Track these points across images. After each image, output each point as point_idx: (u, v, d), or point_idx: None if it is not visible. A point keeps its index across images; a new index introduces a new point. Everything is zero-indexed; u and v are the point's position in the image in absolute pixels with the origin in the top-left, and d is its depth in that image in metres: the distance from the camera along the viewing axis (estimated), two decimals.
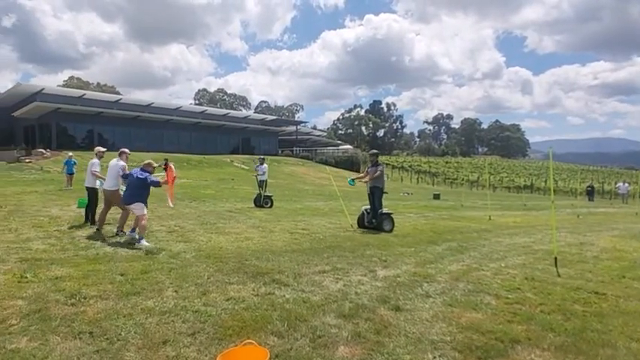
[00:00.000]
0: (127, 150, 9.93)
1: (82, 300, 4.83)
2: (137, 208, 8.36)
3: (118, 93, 77.12)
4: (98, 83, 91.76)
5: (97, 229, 9.26)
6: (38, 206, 12.97)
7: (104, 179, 9.76)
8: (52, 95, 42.47)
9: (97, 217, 9.80)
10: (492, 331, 4.37)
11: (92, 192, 10.22)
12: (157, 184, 8.46)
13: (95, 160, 10.23)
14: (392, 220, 11.31)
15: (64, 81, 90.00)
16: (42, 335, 3.93)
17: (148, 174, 8.55)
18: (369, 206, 11.35)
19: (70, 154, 22.24)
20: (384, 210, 11.27)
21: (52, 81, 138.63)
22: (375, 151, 12.54)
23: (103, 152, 10.50)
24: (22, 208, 12.47)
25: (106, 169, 9.53)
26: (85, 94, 46.84)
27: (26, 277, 5.61)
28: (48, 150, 36.11)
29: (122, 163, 9.44)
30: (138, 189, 8.44)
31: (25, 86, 43.78)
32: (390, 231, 10.97)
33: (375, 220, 11.08)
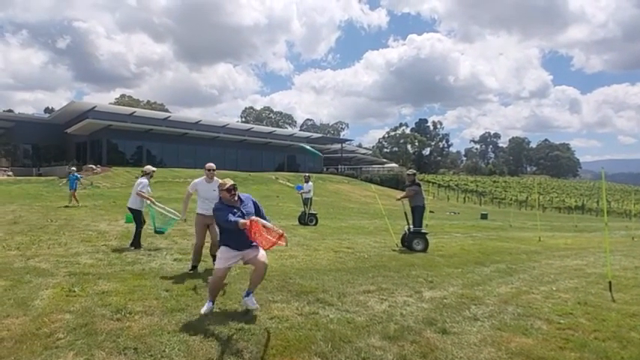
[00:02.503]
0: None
1: (128, 315, 4.86)
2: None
3: (166, 111, 79.10)
4: (148, 101, 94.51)
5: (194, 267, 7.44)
6: (87, 221, 13.31)
7: (152, 201, 9.29)
8: (104, 113, 43.97)
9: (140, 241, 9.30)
10: (544, 357, 4.19)
11: (137, 214, 9.30)
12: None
13: (144, 180, 9.33)
14: (425, 240, 10.92)
15: (115, 99, 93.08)
16: (88, 350, 3.95)
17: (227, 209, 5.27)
18: (411, 225, 11.13)
19: (73, 168, 21.79)
20: (419, 229, 11.00)
21: (104, 99, 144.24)
22: (412, 170, 12.51)
23: (154, 172, 9.69)
24: (72, 222, 12.82)
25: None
26: (135, 112, 48.31)
27: (74, 292, 5.71)
28: (98, 166, 37.27)
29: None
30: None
31: (78, 104, 45.49)
32: (423, 251, 10.64)
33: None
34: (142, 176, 9.49)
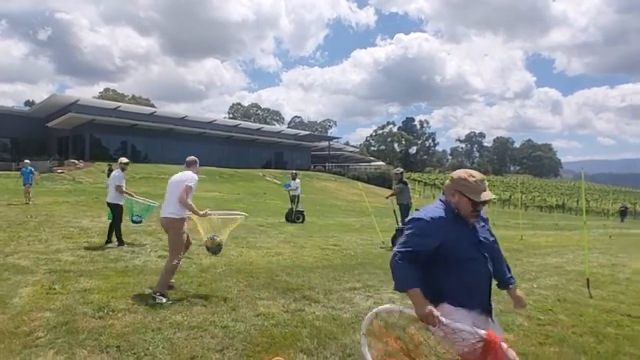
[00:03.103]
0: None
1: (110, 313, 4.77)
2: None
3: (152, 106, 78.04)
4: (133, 96, 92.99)
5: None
6: (69, 217, 13.12)
7: (132, 195, 9.36)
8: (87, 107, 43.00)
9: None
10: (524, 353, 4.22)
11: (118, 209, 9.20)
12: None
13: (118, 173, 9.23)
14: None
15: (99, 93, 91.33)
16: (68, 348, 3.86)
17: None
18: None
19: (27, 161, 19.45)
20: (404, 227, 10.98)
21: (87, 93, 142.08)
22: (399, 169, 12.62)
23: (125, 164, 9.50)
24: (53, 218, 12.63)
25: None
26: (119, 106, 47.43)
27: (55, 289, 5.59)
28: (81, 161, 36.75)
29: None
30: None
31: (61, 97, 44.49)
32: None
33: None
34: (119, 168, 9.38)
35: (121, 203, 9.27)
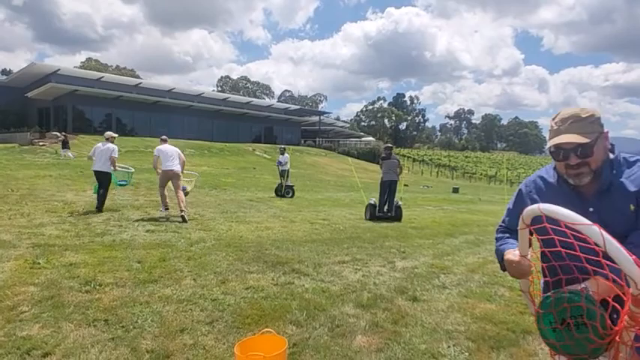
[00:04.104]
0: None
1: (97, 287, 4.70)
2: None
3: (137, 77, 75.75)
4: (117, 66, 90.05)
5: (167, 208, 9.61)
6: (52, 191, 12.92)
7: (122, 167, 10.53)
8: (69, 77, 42.02)
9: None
10: (505, 321, 4.37)
11: (107, 176, 10.07)
12: None
13: (115, 146, 10.10)
14: (401, 210, 11.80)
15: (81, 62, 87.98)
16: (55, 322, 3.79)
17: None
18: (373, 198, 11.86)
19: None
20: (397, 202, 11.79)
21: (68, 62, 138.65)
22: (389, 144, 13.11)
23: (114, 137, 10.34)
24: (35, 192, 12.41)
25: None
26: (103, 77, 46.37)
27: (39, 264, 5.48)
28: (63, 133, 35.99)
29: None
30: None
31: (40, 66, 43.10)
32: (399, 220, 11.51)
33: (390, 213, 11.52)
34: (109, 142, 10.10)
35: (110, 172, 10.09)
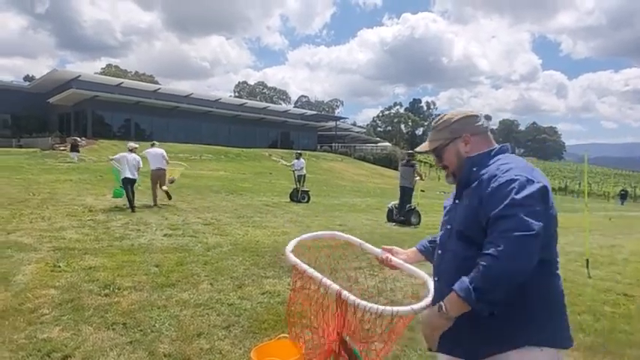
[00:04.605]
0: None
1: (116, 291, 4.75)
2: None
3: (156, 82, 76.45)
4: (136, 72, 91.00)
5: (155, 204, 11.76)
6: (72, 195, 13.07)
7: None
8: (89, 83, 42.33)
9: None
10: None
11: (134, 182, 11.29)
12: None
13: (136, 156, 11.42)
14: (418, 214, 12.08)
15: (101, 69, 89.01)
16: (74, 325, 3.84)
17: None
18: (393, 202, 12.27)
19: None
20: (412, 206, 12.03)
21: (89, 68, 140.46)
22: (410, 151, 13.44)
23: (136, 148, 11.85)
24: (56, 196, 12.57)
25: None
26: (122, 83, 46.71)
27: (59, 267, 5.57)
28: (83, 138, 36.37)
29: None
30: None
31: (62, 72, 43.71)
32: (418, 224, 11.75)
33: (402, 217, 11.86)
34: (134, 153, 11.47)
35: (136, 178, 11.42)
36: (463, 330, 1.72)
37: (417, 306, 1.82)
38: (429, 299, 1.90)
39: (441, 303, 1.66)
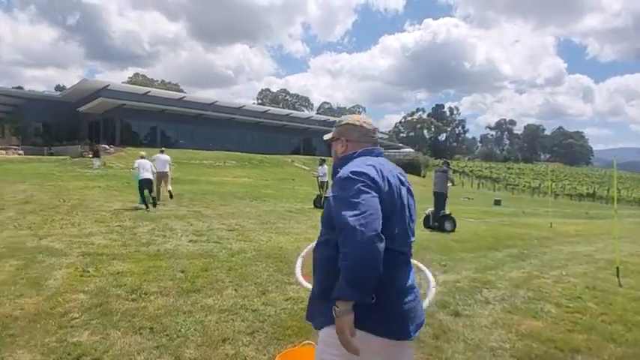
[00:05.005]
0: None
1: (143, 296, 4.85)
2: None
3: (181, 91, 77.58)
4: (162, 81, 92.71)
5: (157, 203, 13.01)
6: (100, 201, 13.34)
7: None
8: (117, 92, 42.97)
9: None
10: (552, 339, 4.25)
11: (150, 182, 13.02)
12: None
13: (148, 161, 13.28)
14: (453, 220, 12.08)
15: (128, 78, 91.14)
16: (103, 329, 3.93)
17: None
18: (430, 209, 12.33)
19: None
20: (446, 212, 12.17)
21: (117, 77, 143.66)
22: (447, 160, 14.26)
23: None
24: (85, 202, 12.85)
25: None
26: (149, 91, 47.29)
27: (88, 272, 5.70)
28: (112, 146, 37.08)
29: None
30: None
31: (91, 82, 44.45)
32: (452, 230, 11.79)
33: (436, 223, 12.00)
34: (143, 158, 13.11)
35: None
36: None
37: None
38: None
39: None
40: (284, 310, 4.65)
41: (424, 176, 56.07)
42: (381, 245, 1.74)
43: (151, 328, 3.99)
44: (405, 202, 2.08)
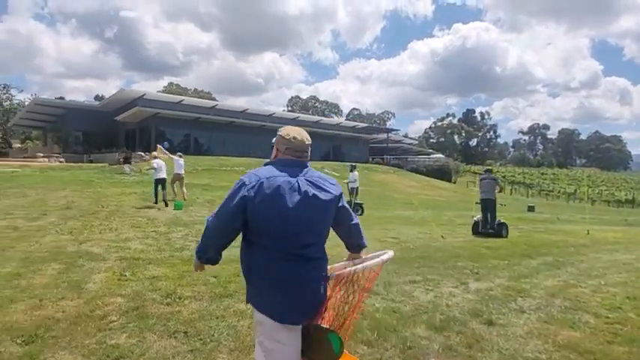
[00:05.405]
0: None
1: (177, 300, 4.97)
2: None
3: (214, 99, 79.18)
4: (195, 89, 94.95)
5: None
6: (137, 207, 13.66)
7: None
8: (152, 100, 43.87)
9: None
10: (591, 351, 4.12)
11: (165, 181, 14.69)
12: None
13: (162, 162, 14.91)
14: (507, 227, 12.60)
15: (163, 87, 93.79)
16: (139, 333, 4.06)
17: None
18: (478, 216, 12.78)
19: None
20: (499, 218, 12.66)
21: (152, 87, 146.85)
22: (489, 167, 15.17)
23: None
24: (122, 208, 13.18)
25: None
26: (183, 100, 48.10)
27: (125, 276, 5.88)
28: (147, 153, 37.82)
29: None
30: None
31: (128, 92, 45.47)
32: (507, 236, 12.25)
33: (492, 230, 12.35)
34: (156, 158, 14.91)
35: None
36: None
37: (385, 256, 2.61)
38: (390, 253, 2.67)
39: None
40: None
41: (455, 182, 55.41)
42: (214, 239, 2.57)
43: (185, 332, 4.09)
44: (300, 207, 2.36)
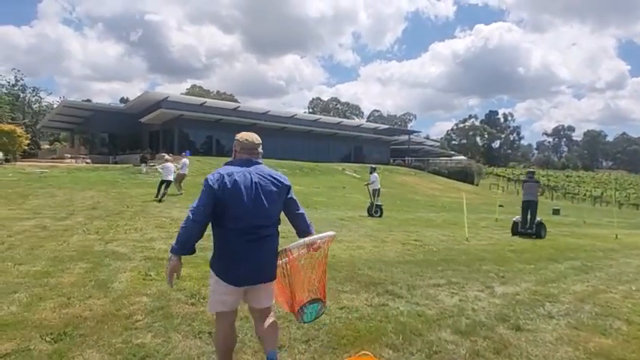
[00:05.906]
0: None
1: (201, 300, 4.99)
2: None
3: (236, 101, 79.72)
4: (218, 91, 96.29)
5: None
6: (160, 207, 13.80)
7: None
8: (176, 102, 44.26)
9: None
10: (625, 359, 4.03)
11: (170, 182, 16.59)
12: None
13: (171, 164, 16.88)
14: (545, 228, 13.45)
15: (186, 89, 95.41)
16: (165, 332, 4.09)
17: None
18: (518, 217, 13.52)
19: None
20: (538, 219, 13.26)
21: (176, 89, 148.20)
22: (532, 170, 15.22)
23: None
24: (147, 209, 13.32)
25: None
26: (205, 102, 48.52)
27: (150, 275, 5.94)
28: (170, 154, 38.19)
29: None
30: None
31: (152, 94, 46.06)
32: (544, 237, 12.96)
33: (530, 230, 13.00)
34: (167, 162, 16.89)
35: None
36: None
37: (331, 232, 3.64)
38: (331, 233, 3.65)
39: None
40: (338, 318, 4.67)
41: (477, 184, 54.85)
42: (196, 224, 3.09)
43: (210, 333, 4.10)
44: (252, 196, 3.08)
